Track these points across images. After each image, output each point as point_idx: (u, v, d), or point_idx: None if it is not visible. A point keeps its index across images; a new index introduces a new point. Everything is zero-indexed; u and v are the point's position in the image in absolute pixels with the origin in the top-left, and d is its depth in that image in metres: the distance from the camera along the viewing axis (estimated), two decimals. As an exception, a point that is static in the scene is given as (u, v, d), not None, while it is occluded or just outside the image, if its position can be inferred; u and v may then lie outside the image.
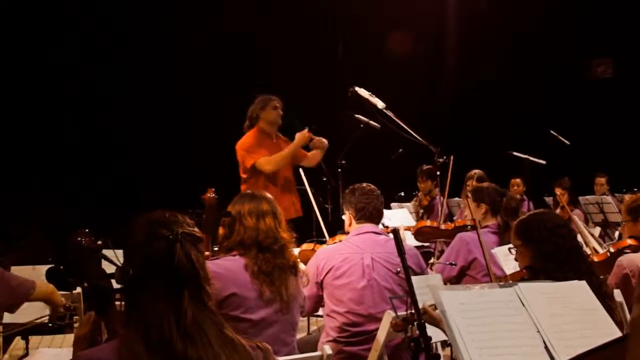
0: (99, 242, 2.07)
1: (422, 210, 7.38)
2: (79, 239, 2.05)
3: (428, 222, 5.74)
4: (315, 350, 3.26)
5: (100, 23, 8.52)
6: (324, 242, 4.70)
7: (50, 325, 3.49)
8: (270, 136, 5.86)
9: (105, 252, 2.11)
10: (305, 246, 4.50)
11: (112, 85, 8.49)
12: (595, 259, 4.50)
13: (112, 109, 8.53)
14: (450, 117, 10.20)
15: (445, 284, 4.14)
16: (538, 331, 2.32)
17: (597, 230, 7.55)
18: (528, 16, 10.34)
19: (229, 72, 8.89)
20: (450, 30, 10.97)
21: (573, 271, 2.84)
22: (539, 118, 9.53)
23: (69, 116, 8.27)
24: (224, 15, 9.15)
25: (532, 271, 2.97)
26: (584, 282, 2.56)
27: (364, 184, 3.95)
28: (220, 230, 3.26)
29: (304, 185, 5.34)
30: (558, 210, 7.14)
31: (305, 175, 5.39)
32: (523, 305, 2.38)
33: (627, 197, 4.87)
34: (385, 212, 5.90)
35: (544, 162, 7.18)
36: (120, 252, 2.09)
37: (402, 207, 7.19)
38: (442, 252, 5.63)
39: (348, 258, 3.71)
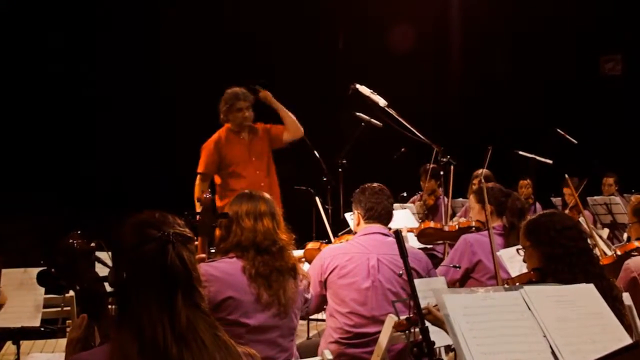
0: (92, 244, 2.07)
1: (427, 211, 7.38)
2: (71, 241, 2.05)
3: (432, 224, 5.73)
4: (315, 355, 3.26)
5: (97, 22, 8.53)
6: (331, 242, 4.72)
7: (42, 329, 3.49)
8: (238, 134, 5.94)
9: (98, 254, 2.11)
10: (311, 245, 4.52)
11: (104, 84, 8.49)
12: (603, 262, 4.50)
13: (105, 108, 8.54)
14: (455, 116, 10.19)
15: (448, 286, 4.14)
16: (544, 336, 2.31)
17: (605, 232, 7.54)
18: (534, 12, 10.33)
19: (227, 69, 8.88)
20: (455, 26, 10.96)
21: (582, 274, 2.84)
22: (545, 116, 9.53)
23: (60, 116, 8.27)
24: (222, 10, 9.16)
25: (541, 273, 2.97)
26: (592, 285, 2.56)
27: (375, 184, 3.96)
28: (217, 232, 3.26)
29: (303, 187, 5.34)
30: (567, 211, 7.13)
31: (304, 174, 5.40)
32: (529, 308, 2.38)
33: (633, 197, 4.86)
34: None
35: (550, 161, 7.17)
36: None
37: (405, 208, 7.18)
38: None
39: (353, 258, 3.72)
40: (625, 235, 7.28)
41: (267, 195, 3.32)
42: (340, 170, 6.15)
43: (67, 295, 3.84)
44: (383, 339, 3.12)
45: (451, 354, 4.49)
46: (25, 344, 3.71)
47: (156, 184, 8.16)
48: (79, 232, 2.05)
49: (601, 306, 2.49)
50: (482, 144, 6.37)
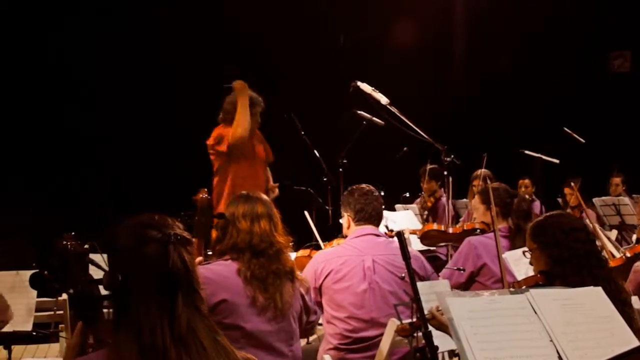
0: (86, 246, 2.07)
1: (426, 212, 7.39)
2: (65, 242, 2.04)
3: (435, 226, 5.73)
4: (315, 360, 3.27)
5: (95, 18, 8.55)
6: (321, 248, 4.70)
7: (34, 334, 3.49)
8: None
9: (93, 256, 2.11)
10: (300, 252, 4.50)
11: (100, 85, 8.50)
12: (611, 264, 4.50)
13: (100, 107, 8.54)
14: (458, 114, 10.19)
15: (452, 290, 4.14)
16: (551, 340, 2.31)
17: (613, 234, 7.54)
18: (540, 8, 10.33)
19: (223, 65, 8.88)
20: (458, 22, 10.96)
21: (590, 277, 2.85)
22: (551, 115, 9.53)
23: (53, 115, 8.27)
24: (222, 8, 9.16)
25: (548, 276, 2.97)
26: (599, 288, 2.56)
27: (363, 185, 3.97)
28: (213, 233, 3.26)
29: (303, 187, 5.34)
30: (568, 211, 7.14)
31: (303, 175, 5.39)
32: (535, 312, 2.38)
33: (641, 197, 4.87)
34: (390, 214, 5.94)
35: (557, 160, 7.17)
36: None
37: (407, 209, 7.19)
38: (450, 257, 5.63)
39: (348, 261, 3.72)
40: (634, 237, 7.28)
41: (264, 196, 3.32)
42: (340, 170, 6.14)
43: (60, 298, 3.84)
44: (385, 344, 3.13)
45: (455, 359, 4.50)
46: (16, 349, 3.72)
47: (152, 185, 8.16)
48: (72, 233, 2.05)
49: (609, 310, 2.49)
50: (485, 144, 6.40)
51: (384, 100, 5.62)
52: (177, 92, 8.72)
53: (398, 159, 7.82)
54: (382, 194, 4.04)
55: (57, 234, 2.06)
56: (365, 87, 5.70)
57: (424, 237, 5.62)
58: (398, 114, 5.64)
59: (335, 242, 4.41)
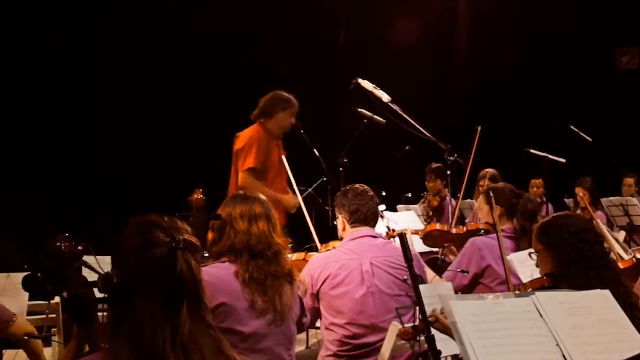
0: (80, 248, 2.06)
1: (431, 212, 7.38)
2: (58, 244, 2.04)
3: (438, 226, 5.72)
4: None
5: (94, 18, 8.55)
6: (317, 251, 4.68)
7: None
8: (274, 138, 5.96)
9: (87, 258, 2.11)
10: (295, 256, 4.48)
11: (93, 84, 8.50)
12: (620, 266, 4.50)
13: (97, 107, 8.54)
14: (462, 112, 10.19)
15: (456, 293, 4.14)
16: (558, 345, 2.32)
17: (622, 235, 7.54)
18: (546, 4, 10.33)
19: (227, 66, 8.89)
20: (462, 19, 10.95)
21: (598, 280, 2.85)
22: (558, 113, 9.53)
23: (47, 115, 8.27)
24: (222, 5, 9.16)
25: (554, 279, 2.97)
26: (607, 292, 2.57)
27: (357, 185, 3.96)
28: (210, 235, 3.26)
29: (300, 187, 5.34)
30: (579, 213, 7.13)
31: (303, 175, 5.39)
32: (541, 316, 2.38)
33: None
34: (392, 215, 5.94)
35: (564, 160, 7.18)
36: (102, 259, 2.09)
37: (410, 210, 7.19)
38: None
39: (345, 265, 3.71)
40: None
41: (262, 196, 3.32)
42: (341, 169, 6.13)
43: (53, 301, 3.84)
44: (386, 349, 3.13)
45: (459, 364, 4.51)
46: (8, 354, 3.71)
47: (146, 185, 8.16)
48: (66, 234, 2.05)
49: (618, 314, 2.49)
50: (490, 143, 6.38)
51: (385, 98, 5.63)
52: (174, 90, 8.72)
53: (400, 158, 7.82)
54: (384, 194, 4.03)
55: (50, 235, 2.06)
56: (366, 84, 5.70)
57: (427, 238, 5.62)
58: (400, 112, 5.64)
59: (331, 245, 4.39)
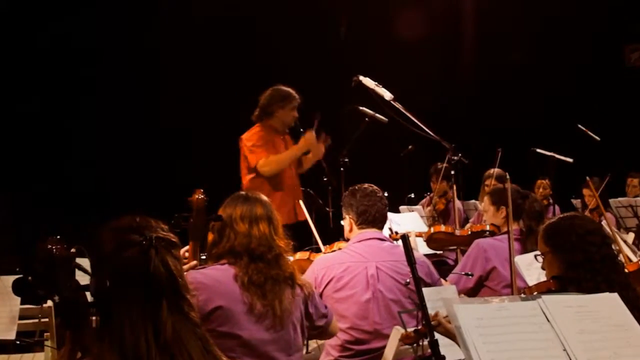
0: (72, 250, 2.06)
1: (437, 215, 7.38)
2: (50, 246, 2.04)
3: (442, 228, 5.73)
4: (315, 371, 3.26)
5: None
6: (321, 251, 4.68)
7: (17, 342, 3.49)
8: (279, 134, 6.01)
9: (79, 261, 2.11)
10: (299, 255, 4.48)
11: (87, 82, 8.50)
12: (628, 269, 4.50)
13: (85, 103, 8.53)
14: (468, 110, 10.19)
15: (460, 296, 4.14)
16: (564, 349, 2.31)
17: (630, 237, 7.53)
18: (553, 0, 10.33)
19: (223, 59, 8.89)
20: (467, 14, 10.94)
21: (606, 282, 2.84)
22: (565, 111, 9.53)
23: (34, 111, 8.26)
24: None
25: (561, 282, 2.97)
26: (616, 295, 2.56)
27: (365, 185, 3.96)
28: (210, 236, 3.26)
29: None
30: (587, 214, 7.13)
31: (302, 174, 5.40)
32: (548, 320, 2.38)
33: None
34: (394, 216, 5.94)
35: (571, 160, 7.17)
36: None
37: (412, 211, 7.19)
38: (456, 262, 5.64)
39: (350, 268, 3.71)
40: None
41: (264, 197, 3.31)
42: (342, 169, 6.13)
43: (45, 305, 3.84)
44: (389, 354, 3.13)
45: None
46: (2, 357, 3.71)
47: (142, 184, 8.15)
48: (58, 236, 2.05)
49: (626, 318, 2.49)
50: (495, 142, 6.39)
51: (387, 95, 5.62)
52: (172, 89, 8.72)
53: (403, 158, 7.82)
54: (386, 194, 4.02)
55: (42, 237, 2.06)
56: (368, 81, 5.70)
57: (431, 240, 5.62)
58: (403, 111, 5.64)
59: (336, 245, 4.39)
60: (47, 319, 3.94)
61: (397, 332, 3.03)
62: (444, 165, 7.14)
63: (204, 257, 3.40)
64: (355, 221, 3.88)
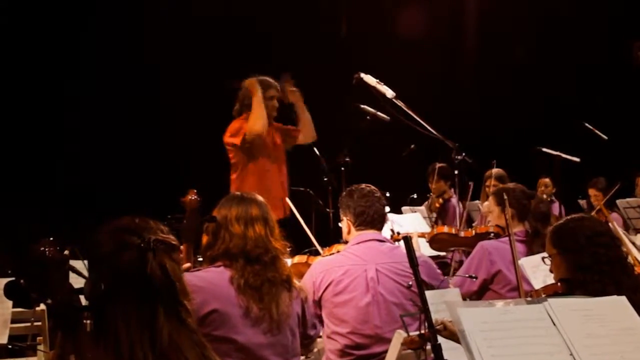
0: (66, 252, 2.06)
1: (434, 214, 7.38)
2: (43, 248, 2.04)
3: (445, 229, 5.73)
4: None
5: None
6: (319, 254, 4.68)
7: (10, 347, 3.49)
8: None
9: (73, 263, 2.11)
10: (297, 259, 4.47)
11: (79, 78, 8.50)
12: (637, 271, 4.50)
13: (77, 101, 8.53)
14: (469, 109, 10.19)
15: (464, 299, 4.14)
16: (571, 354, 2.31)
17: (639, 238, 7.54)
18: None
19: (221, 57, 8.88)
20: (470, 9, 10.95)
21: (614, 285, 2.85)
22: (572, 109, 9.52)
23: (25, 111, 8.26)
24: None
25: (568, 284, 2.97)
26: (624, 298, 2.56)
27: (363, 185, 3.96)
28: (204, 238, 3.25)
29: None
30: (593, 214, 7.13)
31: (302, 174, 5.40)
32: (554, 324, 2.38)
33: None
34: (396, 217, 5.95)
35: (577, 159, 7.17)
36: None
37: (415, 212, 7.19)
38: (461, 263, 5.63)
39: (349, 271, 3.71)
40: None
41: (260, 198, 3.31)
42: (342, 169, 6.14)
43: (38, 309, 3.84)
44: (390, 358, 3.12)
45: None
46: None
47: (134, 185, 8.15)
48: (51, 238, 2.04)
49: (635, 321, 2.49)
50: (499, 140, 6.40)
51: (389, 93, 5.62)
52: (165, 86, 8.71)
53: (405, 157, 7.81)
54: (388, 195, 4.02)
55: (34, 239, 2.06)
56: (369, 79, 5.70)
57: (434, 241, 5.62)
58: (405, 109, 5.64)
59: (334, 248, 4.39)
60: (40, 323, 3.95)
61: (399, 337, 3.03)
62: (442, 164, 7.15)
63: (200, 259, 3.40)
64: (353, 223, 3.88)
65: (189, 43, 8.86)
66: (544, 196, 7.73)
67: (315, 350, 4.84)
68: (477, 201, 7.61)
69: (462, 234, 5.59)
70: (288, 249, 3.33)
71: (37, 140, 8.27)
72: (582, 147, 7.38)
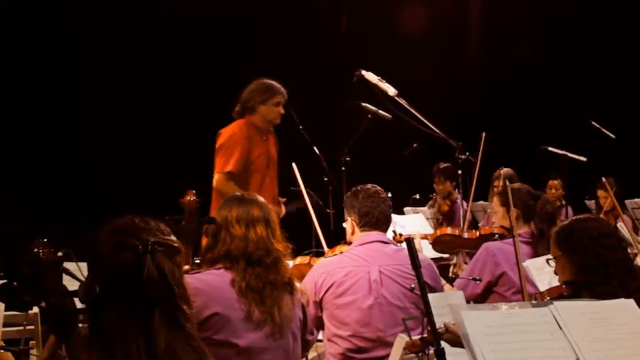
0: (60, 254, 2.06)
1: (441, 217, 7.38)
2: (36, 250, 2.04)
3: (449, 230, 5.73)
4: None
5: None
6: (323, 255, 4.68)
7: (2, 351, 3.49)
8: (261, 133, 5.79)
9: (67, 265, 2.11)
10: (299, 260, 4.47)
11: (78, 78, 8.51)
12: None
13: (76, 101, 8.55)
14: (473, 107, 10.19)
15: (468, 302, 4.14)
16: (577, 358, 2.32)
17: (647, 240, 7.53)
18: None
19: (220, 55, 8.89)
20: (474, 4, 10.95)
21: (621, 288, 2.85)
22: (578, 107, 9.52)
23: (22, 109, 8.27)
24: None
25: (574, 287, 2.97)
26: (631, 301, 2.57)
27: (368, 185, 3.96)
28: (204, 240, 3.26)
29: (299, 186, 5.34)
30: (602, 216, 7.13)
31: (301, 174, 5.39)
32: (560, 327, 2.38)
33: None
34: (398, 217, 5.94)
35: (584, 159, 7.17)
36: (84, 265, 2.09)
37: (418, 212, 7.19)
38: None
39: (352, 272, 3.71)
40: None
41: (261, 198, 3.31)
42: (343, 168, 6.13)
43: (31, 312, 3.84)
44: (392, 363, 3.12)
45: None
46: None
47: (132, 186, 8.15)
48: (44, 239, 2.05)
49: (643, 325, 2.49)
50: (504, 140, 6.40)
51: (391, 91, 5.63)
52: (165, 86, 8.73)
53: (407, 157, 7.82)
54: (390, 195, 4.03)
55: (28, 240, 2.06)
56: (370, 76, 5.70)
57: (437, 243, 5.62)
58: (407, 107, 5.64)
59: (338, 249, 4.39)
60: (33, 327, 3.95)
61: (401, 340, 3.03)
62: (447, 164, 7.15)
63: (198, 261, 3.41)
64: (358, 223, 3.88)
65: (189, 43, 8.86)
66: (556, 201, 7.70)
67: (315, 354, 4.85)
68: (481, 202, 7.62)
69: (466, 235, 5.59)
70: (289, 251, 3.33)
71: (37, 141, 8.28)
72: (589, 147, 7.38)
